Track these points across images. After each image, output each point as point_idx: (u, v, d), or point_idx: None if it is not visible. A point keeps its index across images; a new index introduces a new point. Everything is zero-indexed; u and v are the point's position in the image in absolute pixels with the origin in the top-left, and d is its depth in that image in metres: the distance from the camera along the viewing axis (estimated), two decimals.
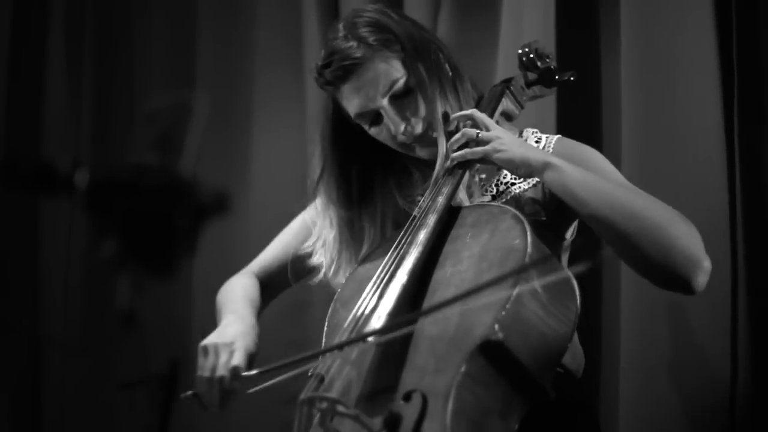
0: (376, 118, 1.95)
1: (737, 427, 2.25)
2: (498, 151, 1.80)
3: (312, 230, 2.11)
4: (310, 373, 1.73)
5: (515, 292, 1.58)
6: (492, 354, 1.56)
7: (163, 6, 3.44)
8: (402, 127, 1.92)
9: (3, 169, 0.92)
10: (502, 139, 1.82)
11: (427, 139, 1.94)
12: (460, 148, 1.86)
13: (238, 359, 1.82)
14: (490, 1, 2.82)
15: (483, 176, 2.00)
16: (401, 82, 1.91)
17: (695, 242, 1.76)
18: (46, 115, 3.37)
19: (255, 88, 3.27)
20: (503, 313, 1.56)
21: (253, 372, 1.81)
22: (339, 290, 1.89)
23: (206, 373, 1.83)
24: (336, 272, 2.04)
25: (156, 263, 0.91)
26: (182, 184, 0.90)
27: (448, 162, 1.86)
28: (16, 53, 3.37)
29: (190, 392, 1.84)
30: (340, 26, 1.96)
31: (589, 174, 1.81)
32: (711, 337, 2.30)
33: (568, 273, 1.71)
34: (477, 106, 2.01)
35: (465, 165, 1.87)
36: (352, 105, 1.94)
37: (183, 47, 3.37)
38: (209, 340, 1.88)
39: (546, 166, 1.79)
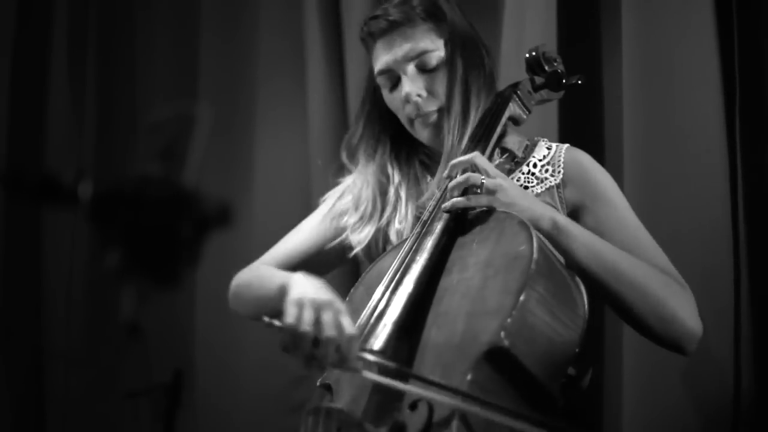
0: (396, 82, 2.01)
1: None
2: (503, 203, 1.76)
3: (332, 218, 2.12)
4: (318, 383, 1.72)
5: (521, 298, 1.57)
6: (498, 361, 1.55)
7: (166, 17, 3.45)
8: (413, 92, 1.97)
9: (7, 180, 0.92)
10: (506, 190, 1.78)
11: (431, 120, 1.99)
12: (463, 192, 1.80)
13: (349, 325, 1.56)
14: (492, 9, 2.82)
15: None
16: (432, 56, 1.98)
17: (691, 312, 1.82)
18: (50, 126, 3.38)
19: (257, 97, 3.27)
20: (509, 320, 1.55)
21: (375, 358, 1.56)
22: (348, 299, 1.87)
23: (305, 327, 1.54)
24: (361, 230, 2.04)
25: (159, 274, 0.91)
26: (185, 196, 0.91)
27: (448, 205, 1.79)
28: (19, 65, 3.38)
29: (277, 323, 1.55)
30: None
31: (594, 238, 1.80)
32: (714, 343, 2.30)
33: (576, 278, 1.71)
34: (484, 112, 2.02)
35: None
36: (380, 60, 2.01)
37: (185, 58, 3.38)
38: (299, 293, 1.60)
39: (553, 226, 1.76)
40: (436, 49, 1.98)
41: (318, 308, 1.56)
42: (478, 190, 1.77)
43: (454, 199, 1.78)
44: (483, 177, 1.78)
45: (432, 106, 1.99)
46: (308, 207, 3.07)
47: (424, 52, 1.97)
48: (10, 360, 3.29)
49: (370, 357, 1.58)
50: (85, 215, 0.91)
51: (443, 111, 1.98)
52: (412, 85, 1.97)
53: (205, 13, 3.36)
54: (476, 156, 1.82)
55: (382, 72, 2.01)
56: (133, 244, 0.91)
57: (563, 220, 1.78)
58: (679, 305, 1.80)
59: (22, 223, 3.33)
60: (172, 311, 3.14)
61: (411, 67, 1.98)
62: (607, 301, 1.81)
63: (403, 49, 1.97)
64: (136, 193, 0.91)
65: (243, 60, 3.31)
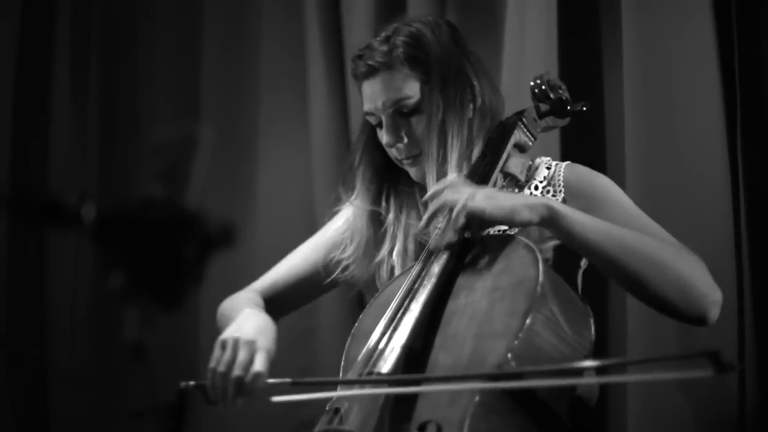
0: (380, 122, 2.02)
1: None
2: (491, 212, 1.72)
3: (325, 249, 2.14)
4: (327, 407, 1.73)
5: (528, 320, 1.58)
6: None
7: (168, 35, 3.46)
8: (392, 142, 1.98)
9: (11, 202, 0.92)
10: (490, 198, 1.74)
11: (418, 161, 1.99)
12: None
13: (260, 364, 1.74)
14: (492, 22, 2.84)
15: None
16: (409, 102, 1.97)
17: (706, 277, 1.79)
18: (53, 148, 3.39)
19: (259, 114, 3.28)
20: (516, 342, 1.56)
21: (276, 381, 1.71)
22: (356, 324, 1.88)
23: (221, 368, 1.74)
24: (358, 266, 2.06)
25: (163, 294, 0.92)
26: (188, 216, 0.91)
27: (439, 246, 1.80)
28: (22, 87, 3.39)
29: (193, 383, 1.72)
30: (391, 26, 2.03)
31: (594, 219, 1.78)
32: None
33: (583, 299, 1.72)
34: (489, 139, 2.02)
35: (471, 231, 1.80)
36: (365, 103, 2.03)
37: (187, 75, 3.39)
38: (228, 333, 1.79)
39: (550, 211, 1.74)
40: (413, 95, 1.96)
41: (235, 348, 1.75)
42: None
43: (439, 240, 1.80)
44: (458, 207, 1.74)
45: (414, 150, 1.99)
46: (311, 224, 3.08)
47: (401, 99, 1.97)
48: (15, 380, 3.29)
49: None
50: (89, 236, 0.92)
51: (425, 152, 1.98)
52: (390, 134, 1.98)
53: (207, 31, 3.38)
54: (435, 196, 1.79)
55: (367, 113, 2.03)
56: (136, 265, 0.91)
57: (558, 204, 1.77)
58: (694, 272, 1.77)
59: (25, 245, 3.34)
60: (176, 331, 3.14)
61: (390, 115, 1.98)
62: (621, 278, 1.79)
63: (381, 97, 1.98)
64: (139, 214, 0.92)
65: (245, 77, 3.32)
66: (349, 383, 1.68)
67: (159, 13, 3.48)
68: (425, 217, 1.80)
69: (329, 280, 2.12)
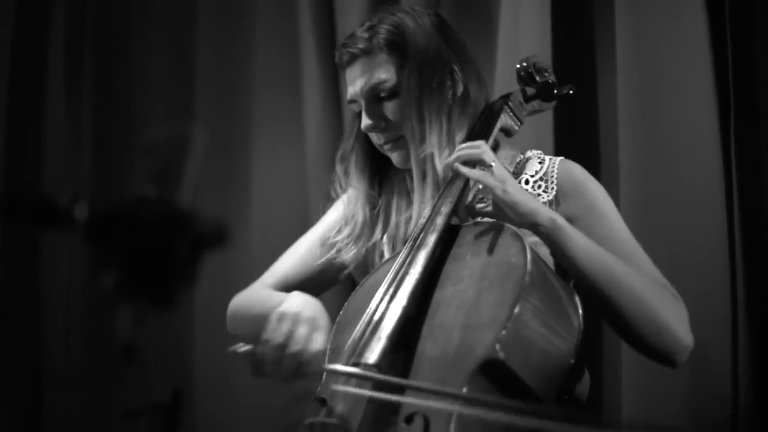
0: (361, 109, 2.03)
1: None
2: (505, 191, 1.75)
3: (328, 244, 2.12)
4: (313, 397, 1.72)
5: (516, 310, 1.57)
6: (494, 373, 1.55)
7: (162, 37, 3.46)
8: (370, 126, 2.00)
9: (4, 202, 0.92)
10: (510, 183, 1.77)
11: (396, 147, 2.01)
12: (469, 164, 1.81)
13: (320, 342, 1.72)
14: (486, 19, 2.84)
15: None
16: (385, 86, 1.98)
17: (684, 324, 1.81)
18: (46, 149, 3.39)
19: (253, 115, 3.28)
20: (504, 332, 1.55)
21: (342, 369, 1.62)
22: (342, 312, 1.87)
23: (279, 339, 1.69)
24: (351, 249, 2.05)
25: (156, 294, 0.92)
26: (181, 216, 0.91)
27: (459, 167, 1.80)
28: (16, 88, 3.39)
29: (246, 347, 1.68)
30: (377, 16, 2.05)
31: (591, 242, 1.80)
32: (712, 357, 2.30)
33: (571, 288, 1.71)
34: (475, 123, 2.01)
35: (464, 185, 1.84)
36: (348, 91, 2.04)
37: (181, 77, 3.39)
38: (285, 307, 1.74)
39: (552, 224, 1.76)
40: (389, 78, 1.98)
41: (295, 322, 1.70)
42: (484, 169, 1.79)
43: (467, 170, 1.79)
44: (494, 161, 1.78)
45: (393, 135, 2.01)
46: (306, 224, 3.07)
47: (378, 83, 1.99)
48: (9, 380, 3.29)
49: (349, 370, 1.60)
50: (82, 236, 0.92)
51: (405, 138, 1.99)
52: (367, 118, 2.00)
53: (201, 32, 3.38)
54: (485, 151, 1.81)
55: (350, 101, 2.05)
56: (129, 265, 0.91)
57: (561, 220, 1.78)
58: (673, 316, 1.79)
59: (19, 245, 3.34)
60: (170, 331, 3.13)
61: (367, 99, 2.00)
62: (601, 306, 1.80)
63: (360, 82, 2.00)
64: (133, 213, 0.92)
65: (239, 78, 3.32)
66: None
67: (153, 15, 3.48)
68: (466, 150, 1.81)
69: (330, 268, 2.12)
